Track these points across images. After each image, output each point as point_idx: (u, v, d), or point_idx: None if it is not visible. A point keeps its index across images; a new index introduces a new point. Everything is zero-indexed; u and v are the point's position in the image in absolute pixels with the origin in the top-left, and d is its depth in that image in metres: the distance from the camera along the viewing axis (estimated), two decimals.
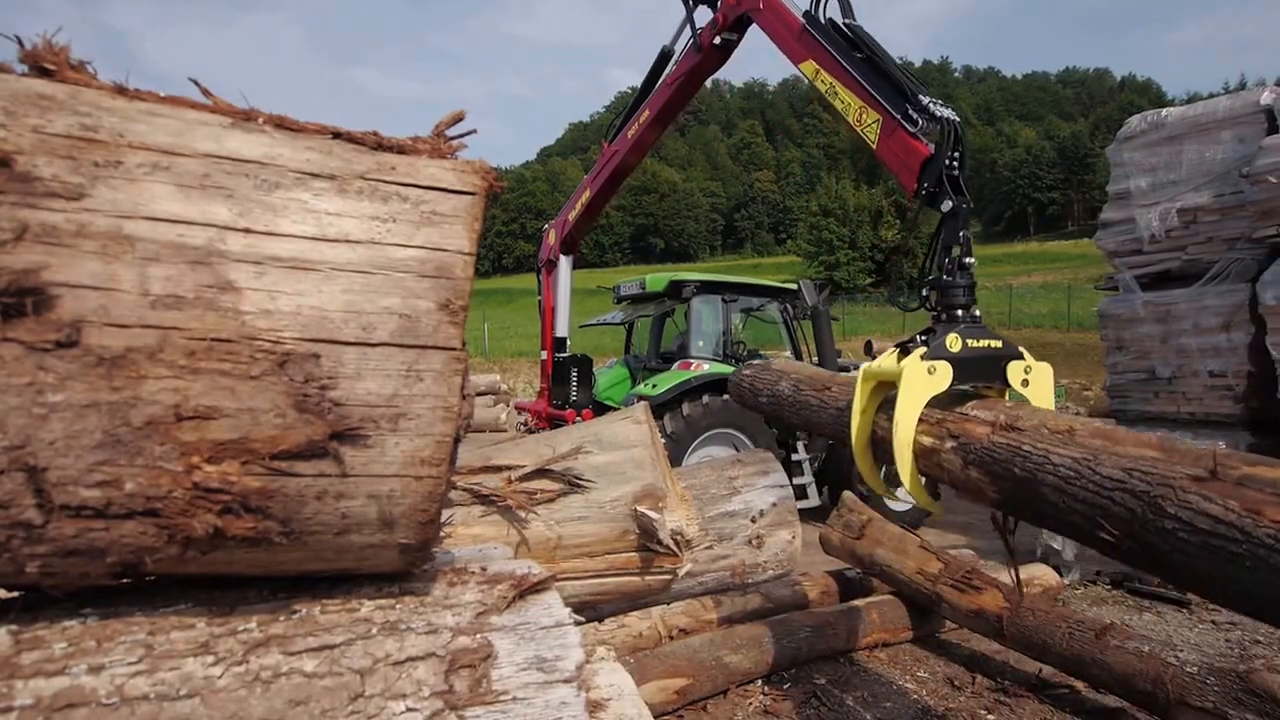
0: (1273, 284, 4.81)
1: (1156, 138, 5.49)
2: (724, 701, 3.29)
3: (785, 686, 3.44)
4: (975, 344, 2.43)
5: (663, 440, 2.98)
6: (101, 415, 0.77)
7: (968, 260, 2.84)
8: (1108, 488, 1.58)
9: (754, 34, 5.43)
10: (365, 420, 0.87)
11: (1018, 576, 2.77)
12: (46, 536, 0.78)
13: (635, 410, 2.90)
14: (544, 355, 7.98)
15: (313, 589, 1.00)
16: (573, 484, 2.55)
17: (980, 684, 3.47)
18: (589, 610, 2.91)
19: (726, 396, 6.28)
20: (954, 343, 2.40)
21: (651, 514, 2.55)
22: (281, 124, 0.89)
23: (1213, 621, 4.36)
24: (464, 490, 2.46)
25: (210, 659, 0.87)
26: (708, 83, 7.37)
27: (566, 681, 0.98)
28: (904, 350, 2.46)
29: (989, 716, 3.18)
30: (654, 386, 6.33)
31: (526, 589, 1.06)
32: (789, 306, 7.47)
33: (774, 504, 3.60)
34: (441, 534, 1.07)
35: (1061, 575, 4.76)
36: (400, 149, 0.93)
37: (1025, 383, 2.43)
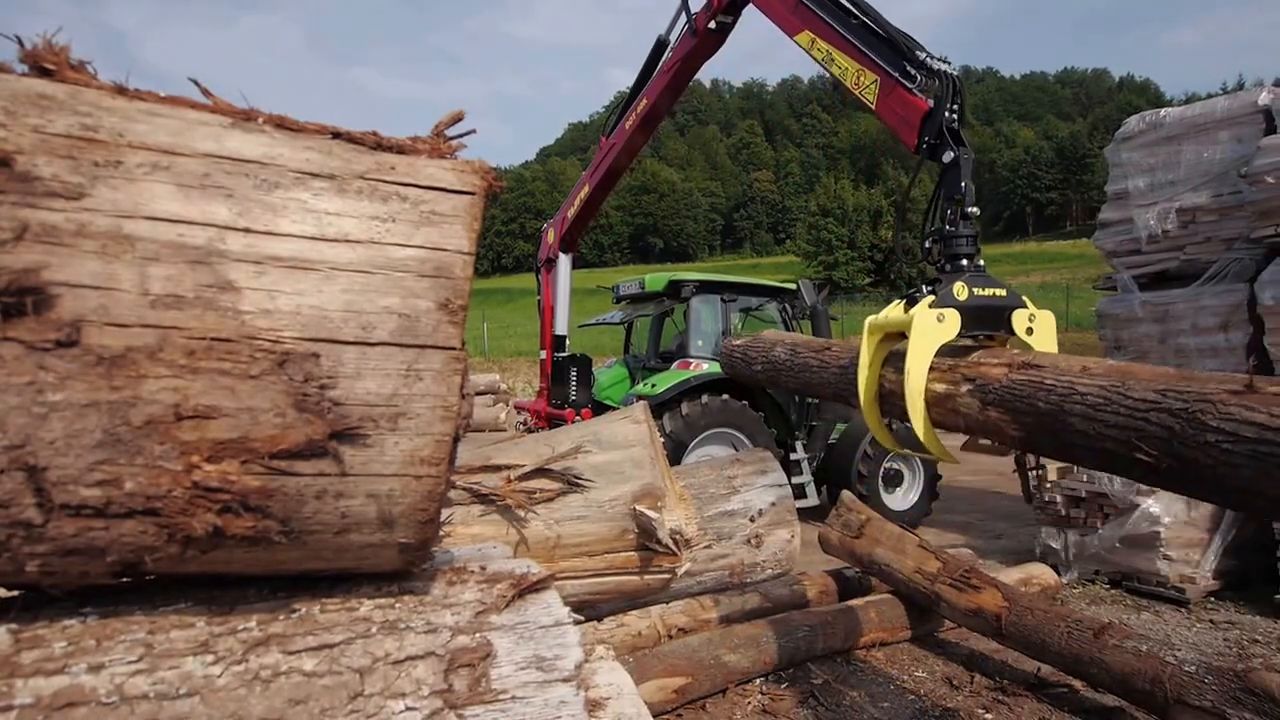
0: (1271, 284, 4.82)
1: (1155, 138, 5.50)
2: (723, 700, 3.29)
3: (784, 686, 3.44)
4: (981, 292, 2.46)
5: (662, 440, 2.99)
6: (101, 414, 0.77)
7: (970, 210, 2.84)
8: (1141, 410, 1.59)
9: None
10: (365, 419, 0.87)
11: (1031, 480, 2.73)
12: (46, 536, 0.79)
13: (634, 410, 2.91)
14: (543, 355, 7.98)
15: (312, 588, 1.00)
16: (572, 483, 2.55)
17: (979, 683, 3.47)
18: (588, 609, 2.91)
19: (726, 396, 6.31)
20: (961, 291, 2.42)
21: (650, 513, 2.55)
22: (281, 124, 0.89)
23: (1211, 621, 4.37)
24: (463, 489, 2.46)
25: (210, 658, 0.87)
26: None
27: (565, 680, 0.98)
28: (911, 301, 2.47)
29: (987, 716, 3.19)
30: (653, 386, 6.33)
31: (526, 588, 1.07)
32: (788, 306, 7.48)
33: (773, 503, 3.60)
34: (441, 533, 1.07)
35: (1060, 574, 4.77)
36: (400, 149, 0.93)
37: (1030, 330, 2.46)
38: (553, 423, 7.25)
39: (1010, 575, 4.28)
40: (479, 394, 14.01)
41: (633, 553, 2.64)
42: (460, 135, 0.98)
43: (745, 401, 6.43)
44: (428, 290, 0.90)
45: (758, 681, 3.45)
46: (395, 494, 0.91)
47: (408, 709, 0.90)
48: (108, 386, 0.77)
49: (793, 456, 6.71)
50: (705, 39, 5.87)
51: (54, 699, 0.78)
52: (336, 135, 0.91)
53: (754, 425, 6.35)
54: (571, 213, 7.53)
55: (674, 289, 7.20)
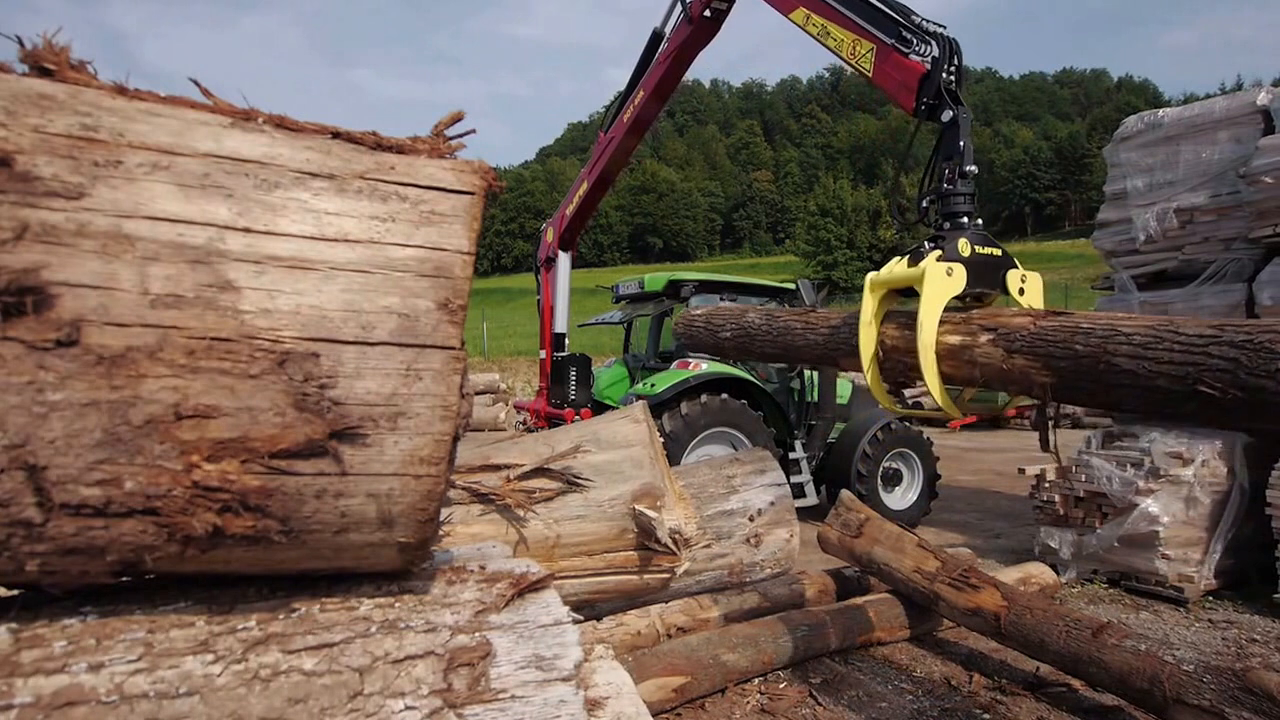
0: (1269, 284, 4.83)
1: (1153, 138, 5.51)
2: (722, 700, 3.29)
3: (783, 685, 3.45)
4: (982, 250, 2.50)
5: (661, 439, 2.98)
6: (101, 414, 0.77)
7: (968, 169, 2.86)
8: (1200, 344, 1.61)
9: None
10: (364, 419, 0.87)
11: (1050, 432, 2.74)
12: (46, 535, 0.79)
13: (634, 409, 2.91)
14: (543, 354, 7.98)
15: (312, 587, 1.00)
16: (571, 483, 2.55)
17: (977, 682, 3.48)
18: (587, 609, 2.92)
19: (725, 396, 6.31)
20: (965, 247, 2.46)
21: (650, 513, 2.55)
22: (281, 124, 0.89)
23: (1209, 620, 4.38)
24: (463, 489, 2.46)
25: (209, 657, 0.87)
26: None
27: (565, 680, 0.98)
28: (916, 256, 2.48)
29: (985, 715, 3.19)
30: (652, 386, 6.33)
31: (525, 587, 1.07)
32: (787, 306, 7.49)
33: (772, 503, 3.61)
34: (440, 533, 1.07)
35: (1058, 574, 4.77)
36: (399, 149, 0.93)
37: (1021, 290, 2.50)
38: (552, 422, 7.25)
39: (1009, 574, 4.28)
40: (478, 393, 14.00)
41: (632, 552, 2.64)
42: (460, 135, 0.98)
43: (744, 401, 6.43)
44: (427, 290, 0.90)
45: (757, 681, 3.45)
46: (395, 493, 0.91)
47: (407, 708, 0.90)
48: (108, 386, 0.77)
49: (792, 456, 6.71)
50: (701, 26, 5.91)
51: (54, 698, 0.78)
52: (336, 135, 0.91)
53: (753, 425, 6.35)
54: (570, 210, 7.53)
55: (673, 289, 7.20)
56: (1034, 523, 5.41)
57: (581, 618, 1.18)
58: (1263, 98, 5.08)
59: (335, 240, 0.87)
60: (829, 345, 2.68)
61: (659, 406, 6.02)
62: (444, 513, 1.05)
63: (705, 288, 7.15)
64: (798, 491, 6.38)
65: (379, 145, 0.93)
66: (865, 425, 6.84)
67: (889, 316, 2.50)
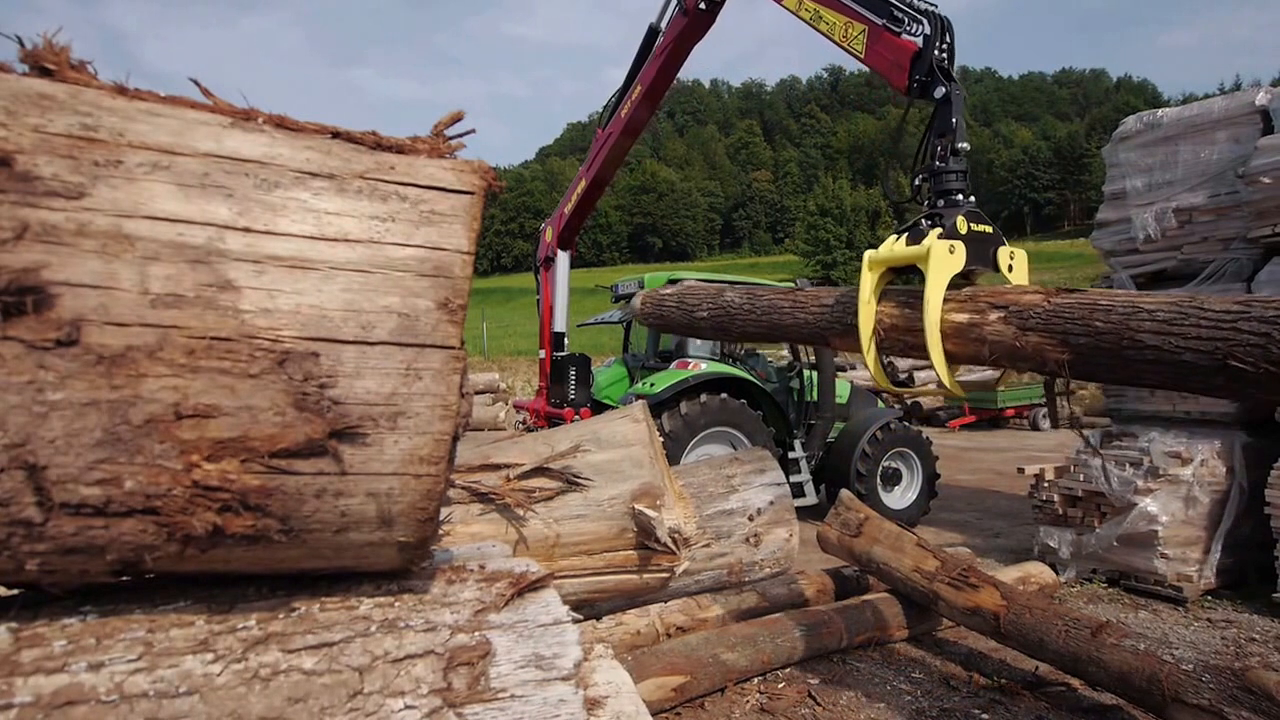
0: (1268, 284, 4.83)
1: (1152, 138, 5.51)
2: (721, 699, 3.29)
3: (782, 684, 3.45)
4: (977, 227, 2.50)
5: (660, 439, 2.98)
6: (101, 413, 0.77)
7: (961, 145, 2.85)
8: (1228, 320, 1.62)
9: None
10: (364, 418, 0.87)
11: (1060, 406, 2.74)
12: (46, 534, 0.79)
13: (633, 409, 2.91)
14: (542, 354, 7.98)
15: (312, 587, 1.00)
16: (571, 482, 2.55)
17: (977, 682, 3.48)
18: (587, 608, 2.91)
19: (724, 395, 6.31)
20: (962, 224, 2.47)
21: (649, 512, 2.55)
22: (281, 124, 0.89)
23: (1208, 619, 4.38)
24: (462, 488, 2.46)
25: (209, 656, 0.87)
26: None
27: (564, 679, 0.98)
28: (915, 233, 2.48)
29: (984, 715, 3.19)
30: (652, 385, 6.33)
31: (525, 587, 1.07)
32: None
33: (771, 502, 3.61)
34: (440, 532, 1.07)
35: (1058, 573, 4.77)
36: (399, 149, 0.93)
37: (1010, 267, 2.51)
38: (552, 422, 7.25)
39: (1008, 574, 4.29)
40: (478, 393, 14.00)
41: (631, 551, 2.64)
42: (460, 135, 0.98)
43: (744, 401, 6.43)
44: (427, 289, 0.90)
45: (756, 680, 3.45)
46: (394, 493, 0.91)
47: (407, 707, 0.90)
48: (108, 385, 0.77)
49: (791, 455, 6.72)
50: (696, 19, 5.94)
51: (54, 697, 0.79)
52: (336, 135, 0.91)
53: (752, 424, 6.36)
54: (569, 208, 7.53)
55: None
56: (1033, 522, 5.41)
57: (581, 617, 1.18)
58: (1261, 98, 5.08)
59: (335, 240, 0.87)
60: (820, 324, 2.66)
61: (658, 406, 6.03)
62: (444, 512, 1.05)
63: None
64: (797, 491, 6.39)
65: (379, 145, 0.93)
66: (864, 425, 6.85)
67: (886, 295, 2.49)
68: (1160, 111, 5.60)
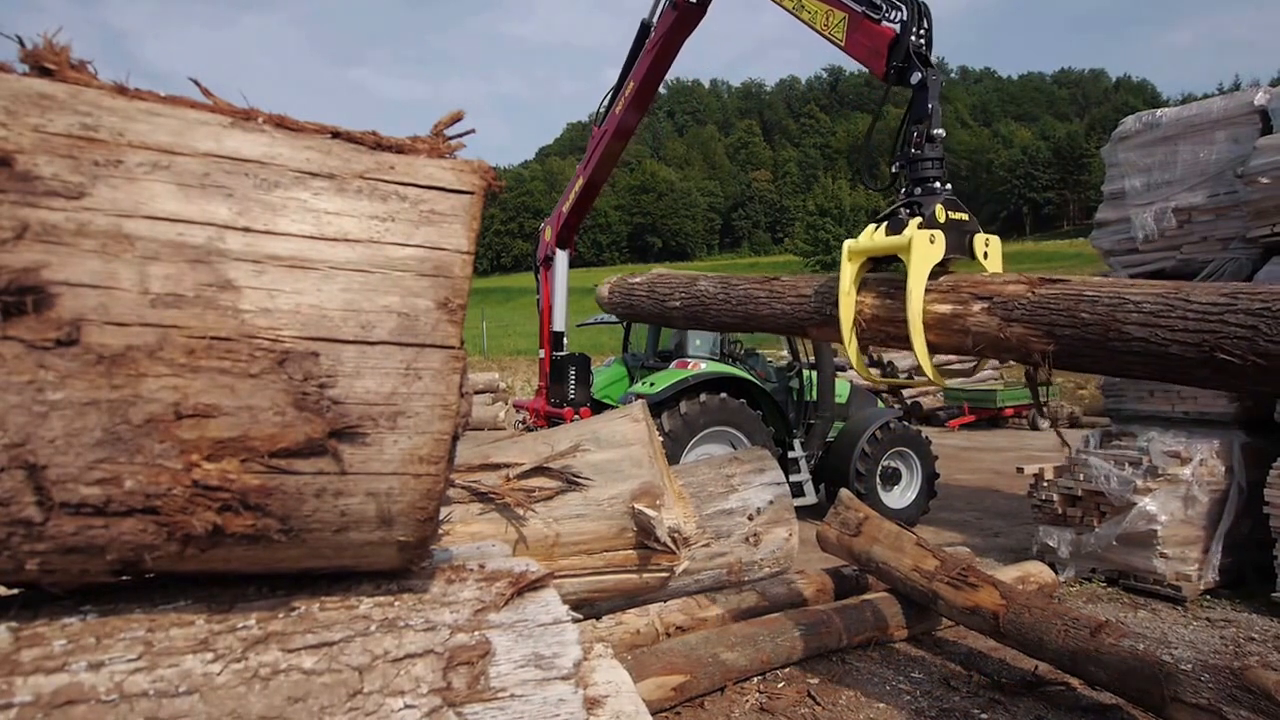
0: (1267, 283, 4.84)
1: (1151, 138, 5.51)
2: (721, 699, 3.30)
3: (781, 684, 3.45)
4: (954, 215, 2.49)
5: (660, 438, 2.98)
6: (101, 413, 0.77)
7: (936, 132, 2.84)
8: (1215, 312, 1.62)
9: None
10: (364, 418, 0.87)
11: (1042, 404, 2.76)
12: (46, 534, 0.79)
13: (633, 408, 2.91)
14: (542, 354, 7.99)
15: (312, 586, 1.00)
16: (571, 482, 2.55)
17: (976, 681, 3.48)
18: (586, 607, 2.91)
19: (724, 395, 6.31)
20: (941, 213, 2.46)
21: (649, 512, 2.55)
22: (281, 123, 0.89)
23: (1207, 619, 4.39)
24: (462, 488, 2.46)
25: (209, 656, 0.87)
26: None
27: (564, 678, 0.98)
28: (894, 224, 2.47)
29: (984, 715, 3.19)
30: (651, 385, 6.34)
31: (524, 586, 1.07)
32: None
33: (771, 502, 3.61)
34: (440, 531, 1.07)
35: (1057, 572, 4.78)
36: (399, 148, 0.93)
37: (985, 255, 2.50)
38: (551, 421, 7.25)
39: (1007, 573, 4.29)
40: (478, 392, 14.00)
41: (631, 551, 2.64)
42: (459, 135, 0.98)
43: (743, 400, 6.43)
44: (427, 289, 0.90)
45: (755, 680, 3.46)
46: (394, 492, 0.91)
47: (407, 707, 0.90)
48: (108, 385, 0.77)
49: (791, 455, 6.72)
50: (685, 12, 5.98)
51: (54, 697, 0.79)
52: (336, 135, 0.91)
53: (752, 424, 6.36)
54: (566, 207, 7.54)
55: None
56: (1032, 521, 5.42)
57: (581, 616, 1.18)
58: (1260, 98, 5.08)
59: (335, 240, 0.87)
60: (797, 315, 2.64)
61: (658, 405, 6.03)
62: (443, 512, 1.05)
63: None
64: (796, 490, 6.39)
65: (379, 145, 0.93)
66: (864, 424, 6.85)
67: (866, 284, 2.48)
68: (1159, 111, 5.60)
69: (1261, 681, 2.48)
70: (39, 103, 0.78)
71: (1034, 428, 13.83)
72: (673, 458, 5.47)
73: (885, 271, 2.62)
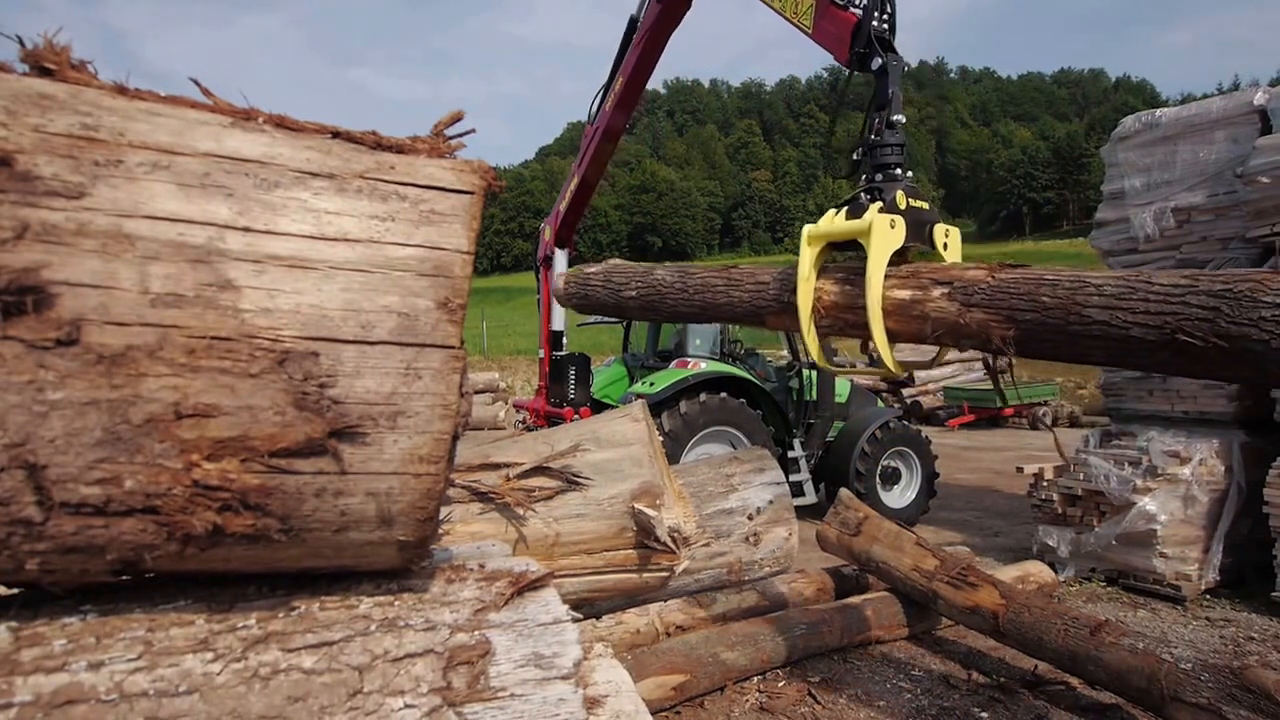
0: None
1: (1151, 138, 5.51)
2: (721, 698, 3.30)
3: (781, 684, 3.45)
4: (915, 203, 2.47)
5: (660, 438, 2.98)
6: (101, 413, 0.77)
7: (896, 118, 2.81)
8: (1177, 294, 1.61)
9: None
10: (364, 418, 0.87)
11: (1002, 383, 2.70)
12: (46, 534, 0.79)
13: (633, 408, 2.91)
14: (542, 353, 7.99)
15: (312, 586, 1.00)
16: (571, 481, 2.55)
17: (975, 681, 3.48)
18: (586, 607, 2.91)
19: (724, 395, 6.31)
20: (902, 199, 2.44)
21: (649, 511, 2.55)
22: (281, 123, 0.89)
23: (1207, 618, 4.39)
24: (462, 488, 2.47)
25: (209, 655, 0.87)
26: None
27: (564, 678, 0.98)
28: (855, 208, 2.44)
29: (984, 714, 3.20)
30: (651, 385, 6.34)
31: (524, 586, 1.07)
32: None
33: (770, 501, 3.61)
34: (440, 531, 1.07)
35: (1057, 572, 4.78)
36: (399, 148, 0.94)
37: (945, 245, 2.49)
38: (551, 421, 7.25)
39: (1007, 573, 4.29)
40: (478, 392, 14.00)
41: (631, 551, 2.64)
42: (459, 135, 0.98)
43: (743, 400, 6.43)
44: (427, 289, 0.90)
45: (755, 679, 3.46)
46: (394, 492, 0.91)
47: (407, 706, 0.90)
48: (108, 385, 0.77)
49: (790, 454, 6.72)
50: (670, 5, 6.00)
51: (54, 696, 0.79)
52: (336, 135, 0.91)
53: (752, 423, 6.36)
54: (564, 206, 7.56)
55: None
56: (1032, 521, 5.42)
57: (581, 616, 1.18)
58: (1259, 98, 5.08)
59: (335, 239, 0.87)
60: (756, 303, 2.59)
61: (658, 405, 6.03)
62: (443, 511, 1.05)
63: None
64: (796, 490, 6.39)
65: (379, 145, 0.93)
66: (864, 424, 6.85)
67: (825, 271, 2.45)
68: (1159, 111, 5.60)
69: (1261, 681, 2.49)
70: (39, 103, 0.78)
71: (1034, 427, 13.84)
72: (673, 457, 5.47)
73: (846, 260, 2.58)
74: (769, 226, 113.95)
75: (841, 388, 7.37)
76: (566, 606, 1.07)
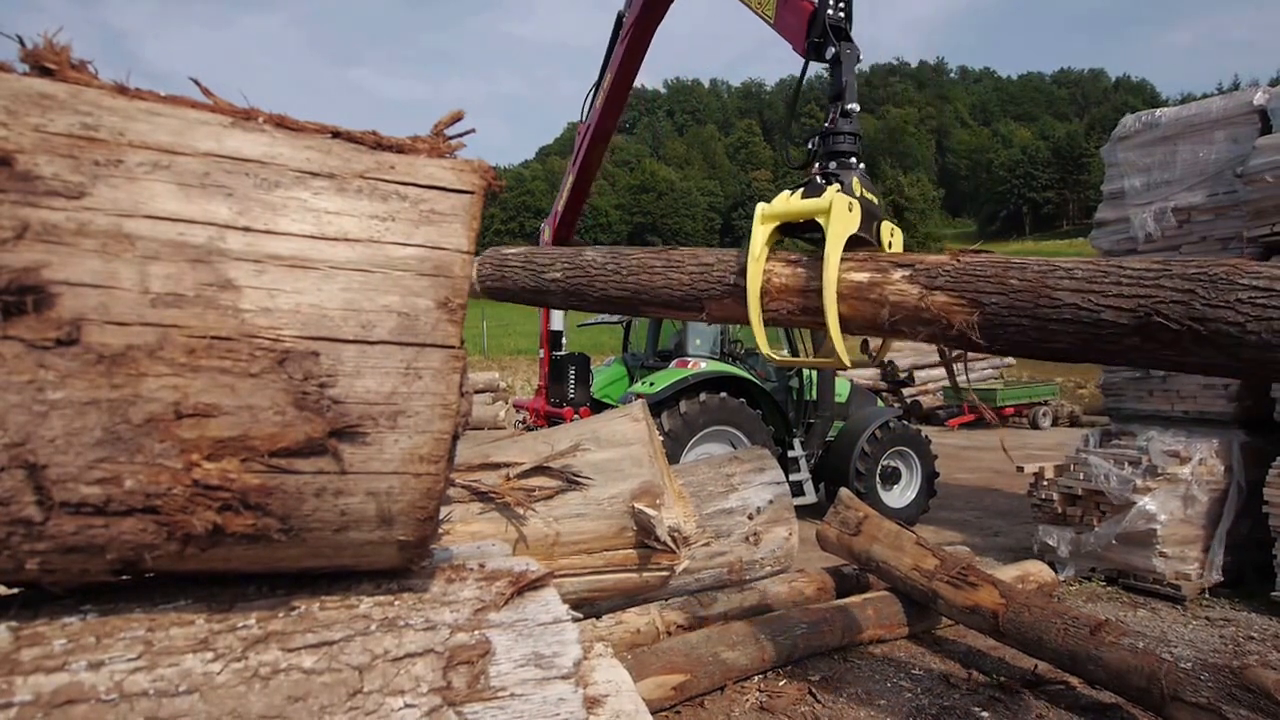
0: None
1: (1151, 138, 5.51)
2: (721, 698, 3.30)
3: (782, 683, 3.45)
4: (867, 194, 2.46)
5: (660, 438, 2.98)
6: (101, 413, 0.77)
7: (850, 107, 2.80)
8: (1150, 277, 1.60)
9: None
10: (364, 418, 0.87)
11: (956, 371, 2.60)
12: (46, 533, 0.79)
13: (633, 408, 2.91)
14: (542, 353, 7.99)
15: (312, 586, 1.00)
16: (571, 481, 2.55)
17: (975, 680, 3.48)
18: (587, 607, 2.92)
19: (724, 395, 6.31)
20: (857, 186, 2.42)
21: (649, 511, 2.56)
22: (281, 123, 0.89)
23: (1207, 618, 4.39)
24: (462, 487, 2.47)
25: (209, 655, 0.87)
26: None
27: (564, 678, 0.98)
28: (811, 188, 2.41)
29: (984, 713, 3.20)
30: (651, 384, 6.33)
31: (524, 586, 1.07)
32: None
33: (770, 501, 3.61)
34: (440, 531, 1.07)
35: (1057, 572, 4.78)
36: (399, 148, 0.94)
37: (890, 244, 2.47)
38: (551, 421, 7.25)
39: (1007, 572, 4.29)
40: (478, 392, 14.00)
41: (631, 550, 2.64)
42: (460, 134, 0.98)
43: (743, 399, 6.43)
44: (427, 289, 0.90)
45: (756, 679, 3.46)
46: (394, 492, 0.91)
47: (407, 706, 0.90)
48: (108, 385, 0.77)
49: (790, 454, 6.72)
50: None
51: (54, 696, 0.79)
52: (336, 135, 0.91)
53: (752, 423, 6.36)
54: (561, 205, 7.56)
55: None
56: (1032, 521, 5.42)
57: (581, 616, 1.18)
58: (1259, 98, 5.08)
59: (335, 239, 0.87)
60: (698, 287, 2.39)
61: (658, 405, 6.03)
62: (443, 511, 1.05)
63: None
64: (796, 490, 6.39)
65: (379, 145, 0.93)
66: (864, 424, 6.85)
67: (774, 254, 2.38)
68: (1159, 111, 5.60)
69: (1261, 680, 2.49)
70: (39, 102, 0.78)
71: (1034, 426, 13.84)
72: (673, 457, 5.47)
73: (798, 244, 2.55)
74: None
75: (841, 387, 7.37)
76: (566, 606, 1.07)
